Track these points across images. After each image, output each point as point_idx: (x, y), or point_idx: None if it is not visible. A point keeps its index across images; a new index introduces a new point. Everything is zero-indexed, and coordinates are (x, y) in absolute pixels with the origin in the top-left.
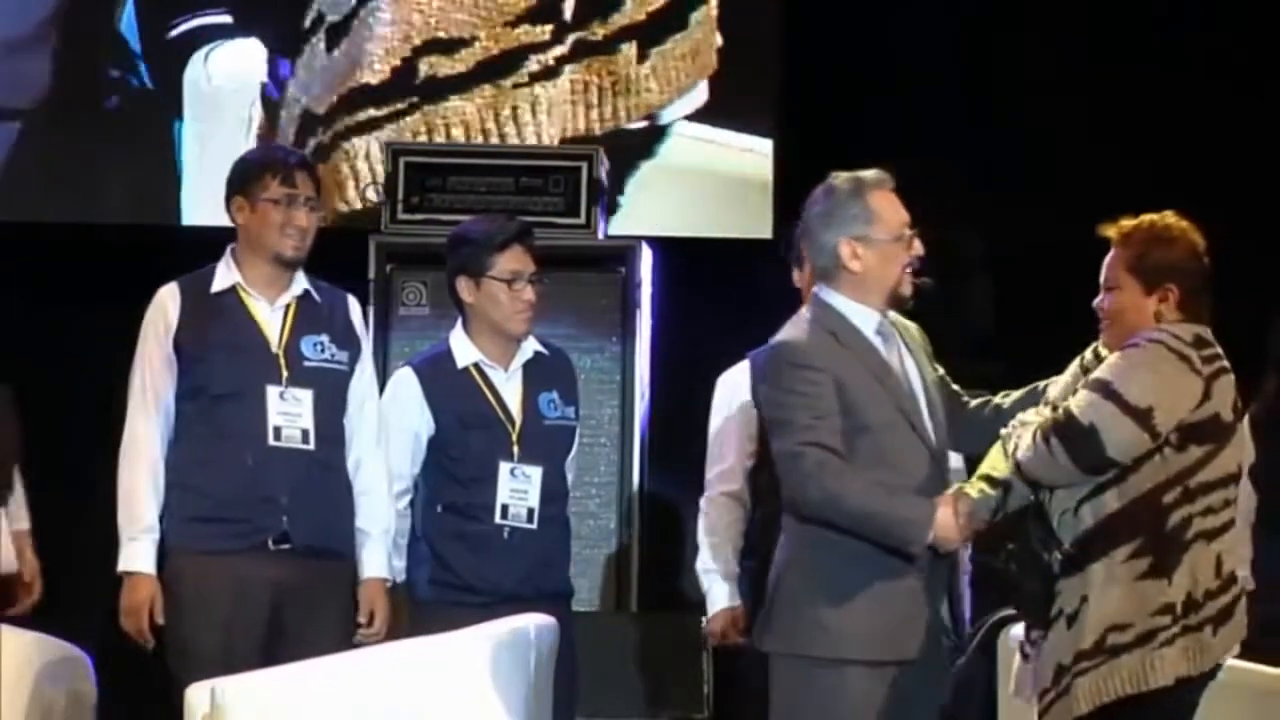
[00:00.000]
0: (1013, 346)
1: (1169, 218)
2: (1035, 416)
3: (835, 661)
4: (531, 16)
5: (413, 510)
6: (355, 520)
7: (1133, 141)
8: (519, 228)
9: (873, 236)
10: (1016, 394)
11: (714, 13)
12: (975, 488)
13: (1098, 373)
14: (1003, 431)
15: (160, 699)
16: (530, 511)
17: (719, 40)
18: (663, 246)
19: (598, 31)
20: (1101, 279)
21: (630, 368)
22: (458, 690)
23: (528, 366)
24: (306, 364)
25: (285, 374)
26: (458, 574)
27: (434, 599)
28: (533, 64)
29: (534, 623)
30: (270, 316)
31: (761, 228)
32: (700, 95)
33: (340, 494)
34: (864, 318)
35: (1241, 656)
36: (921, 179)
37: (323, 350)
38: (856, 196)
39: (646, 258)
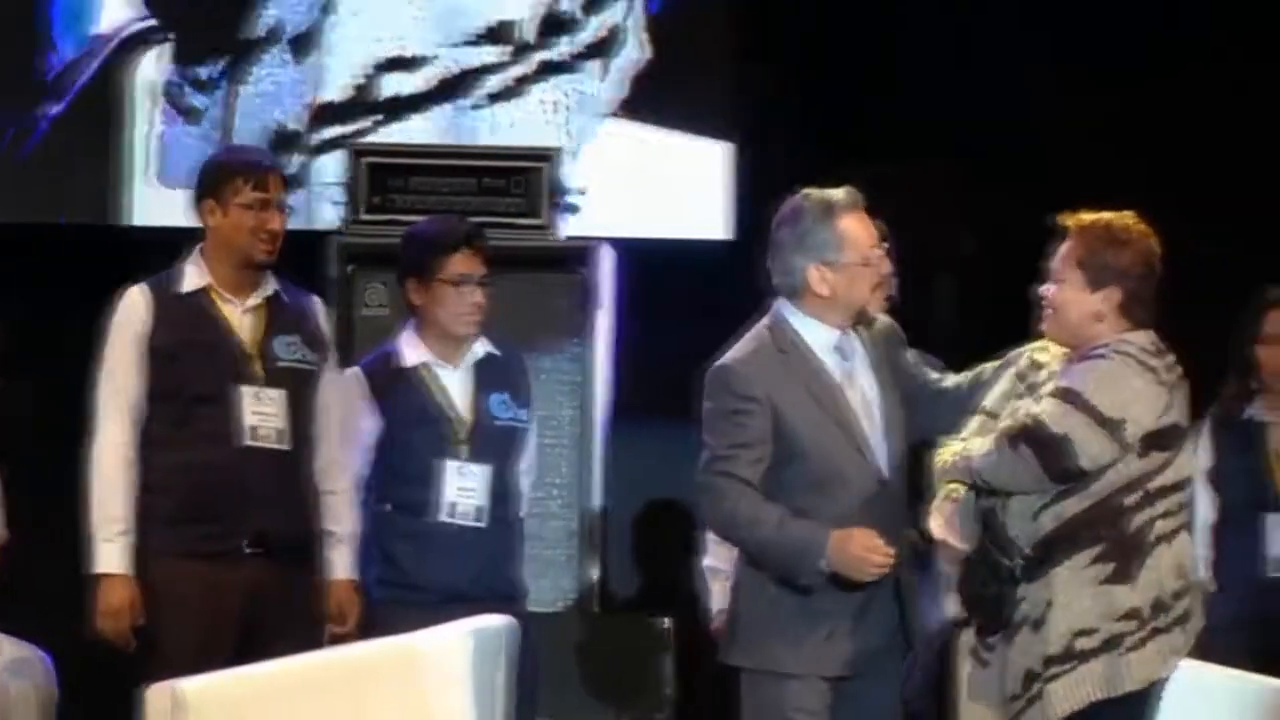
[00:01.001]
0: (986, 343)
1: (1128, 218)
2: (977, 429)
3: (777, 675)
4: (492, 36)
5: (363, 510)
6: (322, 521)
7: (1097, 137)
8: (468, 230)
9: (841, 261)
10: (965, 376)
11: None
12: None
13: (1064, 382)
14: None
15: (123, 699)
16: (479, 510)
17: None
18: (623, 248)
19: (560, 51)
20: (1051, 267)
21: (590, 369)
22: (423, 691)
23: (479, 366)
24: (279, 364)
25: (259, 374)
26: (406, 573)
27: (383, 598)
28: (492, 83)
29: (500, 623)
30: (242, 317)
31: (721, 229)
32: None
33: (311, 495)
34: (822, 335)
35: (1201, 656)
36: (880, 180)
37: (294, 351)
38: (826, 221)
39: (607, 259)
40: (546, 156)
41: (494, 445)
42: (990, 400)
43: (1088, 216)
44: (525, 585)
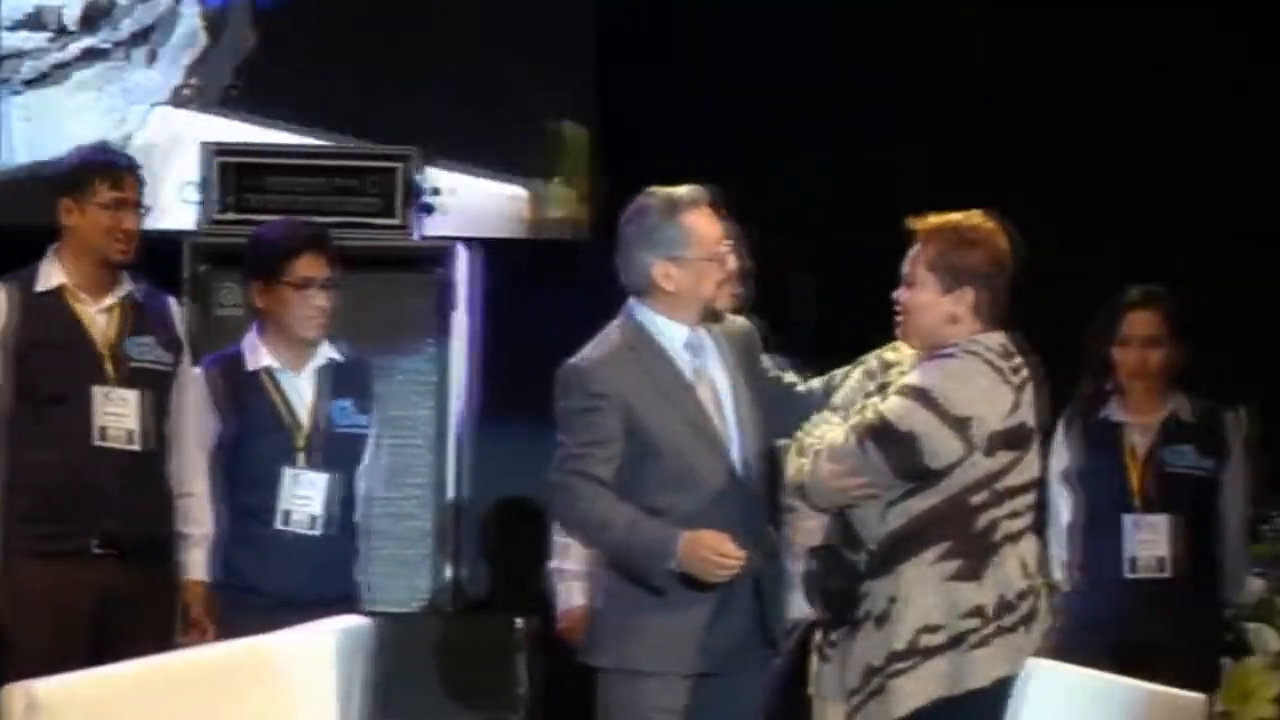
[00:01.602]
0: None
1: (976, 219)
2: (827, 427)
3: (635, 674)
4: (32, 22)
5: None
6: (175, 523)
7: (945, 143)
8: (313, 233)
9: (686, 256)
10: (817, 382)
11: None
12: None
13: (912, 380)
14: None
15: None
16: (313, 518)
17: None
18: (480, 247)
19: (104, 38)
20: (903, 272)
21: (446, 369)
22: (280, 692)
23: (322, 372)
24: (132, 365)
25: (112, 374)
26: (242, 576)
27: (222, 599)
28: (27, 69)
29: (358, 624)
30: (97, 317)
31: (579, 229)
32: None
33: (164, 497)
34: (672, 332)
35: (1063, 656)
36: (737, 181)
37: (148, 352)
38: (670, 217)
39: (463, 259)
40: (403, 156)
41: (333, 452)
42: (838, 398)
43: (936, 219)
44: (359, 589)
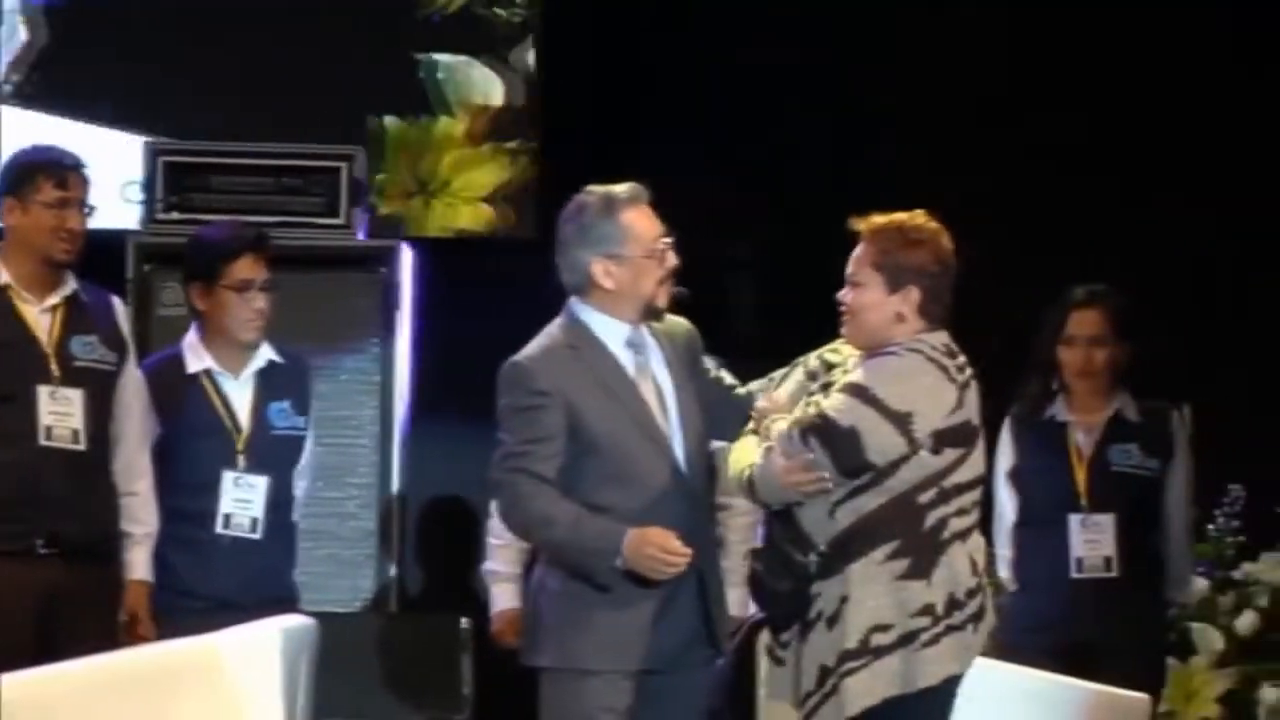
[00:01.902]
0: (783, 347)
1: (919, 218)
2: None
3: (579, 672)
4: None
5: None
6: (120, 523)
7: (895, 142)
8: (253, 235)
9: (625, 254)
10: (756, 385)
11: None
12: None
13: (853, 377)
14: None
15: None
16: (254, 521)
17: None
18: (425, 247)
19: None
20: (847, 272)
21: (390, 368)
22: (226, 690)
23: (261, 375)
24: (77, 364)
25: (56, 374)
26: (181, 579)
27: (157, 603)
28: None
29: (302, 623)
30: (40, 316)
31: (524, 228)
32: None
33: (108, 496)
34: (613, 330)
35: (1007, 657)
36: (684, 180)
37: (92, 351)
38: (608, 214)
39: (407, 258)
40: (347, 156)
41: (272, 455)
42: (781, 396)
43: (879, 218)
44: (297, 590)
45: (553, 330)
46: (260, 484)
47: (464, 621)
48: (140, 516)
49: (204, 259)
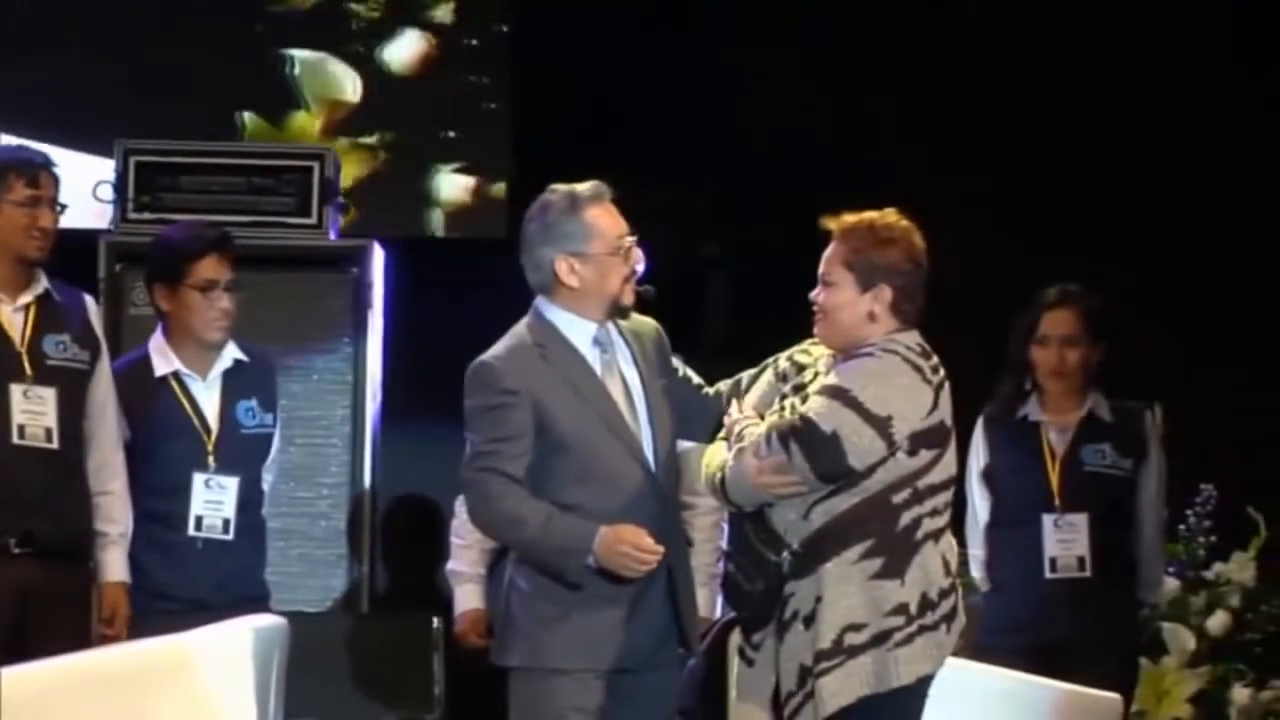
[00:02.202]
0: (757, 347)
1: (890, 216)
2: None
3: (549, 672)
4: None
5: None
6: (95, 522)
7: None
8: (216, 236)
9: (589, 252)
10: (724, 385)
11: None
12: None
13: (832, 380)
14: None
15: None
16: (225, 522)
17: None
18: (397, 247)
19: None
20: (819, 272)
21: (362, 368)
22: (198, 690)
23: (228, 375)
24: (49, 363)
25: (29, 372)
26: (154, 580)
27: (132, 605)
28: None
29: (273, 622)
30: (12, 315)
31: (495, 227)
32: None
33: (82, 495)
34: (580, 329)
35: (981, 656)
36: (656, 180)
37: (65, 349)
38: (572, 213)
39: (379, 258)
40: (318, 156)
41: (241, 455)
42: (752, 399)
43: (850, 217)
44: (267, 588)
45: (519, 330)
46: (231, 485)
47: (435, 621)
48: (115, 516)
49: (168, 259)
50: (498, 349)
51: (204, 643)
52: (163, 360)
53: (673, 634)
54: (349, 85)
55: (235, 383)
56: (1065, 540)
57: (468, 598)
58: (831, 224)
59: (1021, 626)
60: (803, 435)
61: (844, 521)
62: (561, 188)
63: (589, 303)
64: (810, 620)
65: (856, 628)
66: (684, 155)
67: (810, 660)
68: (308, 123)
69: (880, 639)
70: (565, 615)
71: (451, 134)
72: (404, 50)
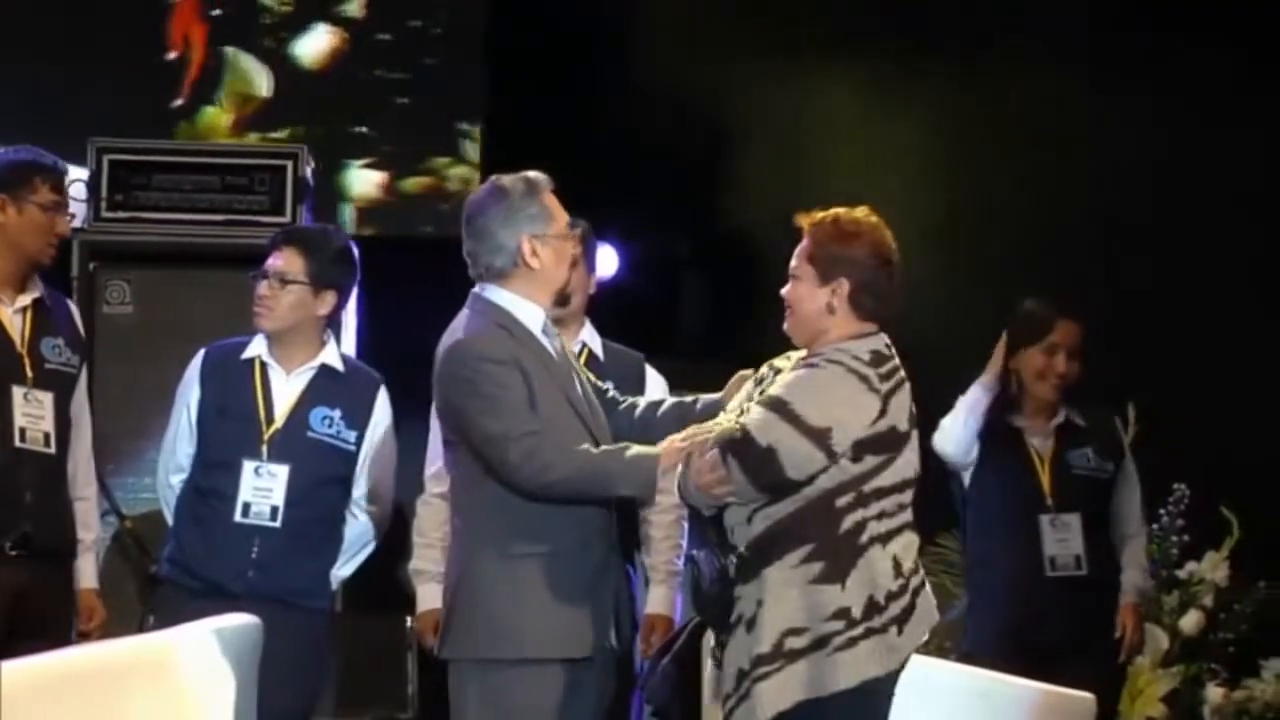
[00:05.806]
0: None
1: (858, 213)
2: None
3: (510, 662)
4: None
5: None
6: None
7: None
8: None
9: (549, 234)
10: (666, 405)
11: None
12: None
13: (775, 391)
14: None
15: None
16: (274, 510)
17: None
18: (372, 245)
19: None
20: (790, 267)
21: None
22: (178, 687)
23: (316, 377)
24: (47, 366)
25: (29, 375)
26: (187, 557)
27: (166, 576)
28: None
29: (243, 621)
30: (13, 317)
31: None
32: None
33: (69, 500)
34: (531, 314)
35: (976, 657)
36: (632, 177)
37: (59, 353)
38: (532, 196)
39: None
40: (292, 154)
41: (298, 452)
42: (732, 406)
43: (820, 213)
44: (299, 586)
45: (472, 317)
46: (281, 473)
47: (409, 621)
48: (89, 522)
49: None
50: (473, 329)
51: (178, 642)
52: (256, 345)
53: (628, 629)
54: (260, 80)
55: (320, 387)
56: (1062, 539)
57: (431, 596)
58: (802, 220)
59: (1017, 627)
60: (740, 448)
61: (785, 526)
62: (506, 176)
63: (542, 287)
64: (752, 624)
65: (796, 632)
66: (658, 151)
67: (748, 664)
68: (216, 118)
69: (820, 643)
70: (515, 608)
71: (363, 129)
72: (314, 45)
